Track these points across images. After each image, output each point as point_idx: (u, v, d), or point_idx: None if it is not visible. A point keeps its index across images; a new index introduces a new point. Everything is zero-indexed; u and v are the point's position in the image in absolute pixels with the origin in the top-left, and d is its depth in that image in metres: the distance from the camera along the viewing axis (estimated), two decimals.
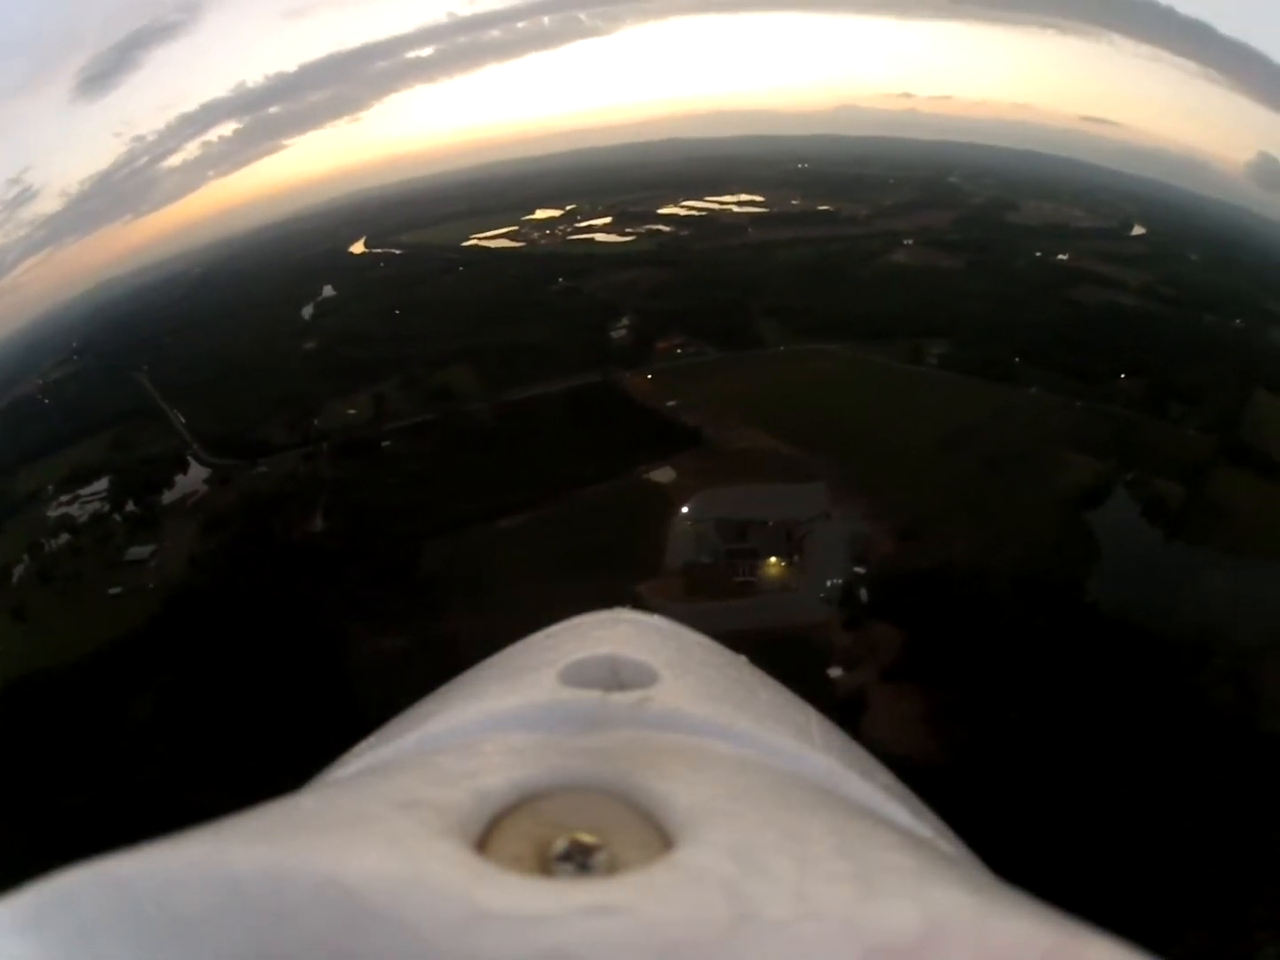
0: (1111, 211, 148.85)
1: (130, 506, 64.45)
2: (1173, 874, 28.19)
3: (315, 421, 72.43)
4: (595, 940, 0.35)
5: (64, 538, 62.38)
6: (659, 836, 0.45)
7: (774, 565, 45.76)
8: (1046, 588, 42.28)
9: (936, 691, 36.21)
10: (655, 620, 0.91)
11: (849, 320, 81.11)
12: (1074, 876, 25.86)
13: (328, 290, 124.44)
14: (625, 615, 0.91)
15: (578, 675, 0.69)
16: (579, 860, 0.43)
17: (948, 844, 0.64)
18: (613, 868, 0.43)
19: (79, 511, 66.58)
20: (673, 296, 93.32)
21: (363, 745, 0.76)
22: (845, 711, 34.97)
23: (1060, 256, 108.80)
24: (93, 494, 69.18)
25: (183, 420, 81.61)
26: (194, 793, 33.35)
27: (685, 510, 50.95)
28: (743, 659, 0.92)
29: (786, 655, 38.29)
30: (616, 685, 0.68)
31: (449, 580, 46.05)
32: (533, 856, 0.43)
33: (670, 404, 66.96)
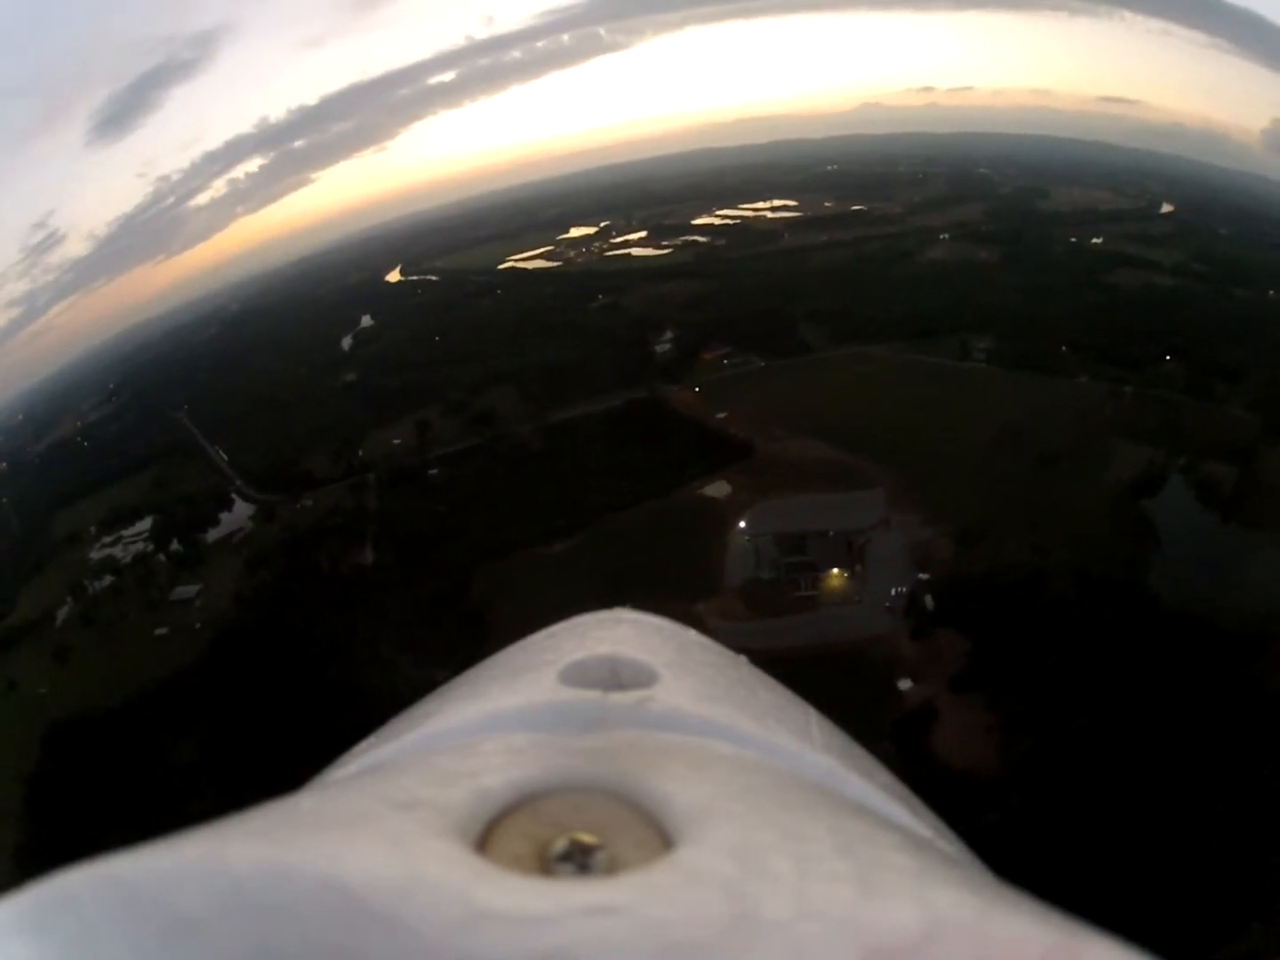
0: (1138, 191, 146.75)
1: (174, 545, 63.97)
2: (1235, 867, 27.29)
3: (359, 452, 72.06)
4: (595, 940, 0.35)
5: (107, 579, 62.03)
6: (659, 836, 0.45)
7: (836, 577, 44.55)
8: (1108, 584, 40.88)
9: (1003, 700, 35.33)
10: (655, 620, 0.91)
11: (892, 320, 79.60)
12: (1140, 870, 26.32)
13: (366, 320, 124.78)
14: (625, 615, 0.91)
15: (578, 675, 0.69)
16: (579, 860, 0.43)
17: (948, 844, 0.64)
18: (613, 868, 0.43)
19: (122, 552, 66.32)
20: (713, 307, 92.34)
21: (363, 745, 0.76)
22: (918, 725, 34.26)
23: (1094, 241, 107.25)
24: (135, 534, 68.95)
25: (224, 457, 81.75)
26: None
27: (742, 525, 49.66)
28: (743, 659, 0.91)
29: (854, 669, 37.37)
30: (616, 685, 0.68)
31: (500, 607, 44.82)
32: (533, 856, 0.43)
33: (719, 416, 65.94)
